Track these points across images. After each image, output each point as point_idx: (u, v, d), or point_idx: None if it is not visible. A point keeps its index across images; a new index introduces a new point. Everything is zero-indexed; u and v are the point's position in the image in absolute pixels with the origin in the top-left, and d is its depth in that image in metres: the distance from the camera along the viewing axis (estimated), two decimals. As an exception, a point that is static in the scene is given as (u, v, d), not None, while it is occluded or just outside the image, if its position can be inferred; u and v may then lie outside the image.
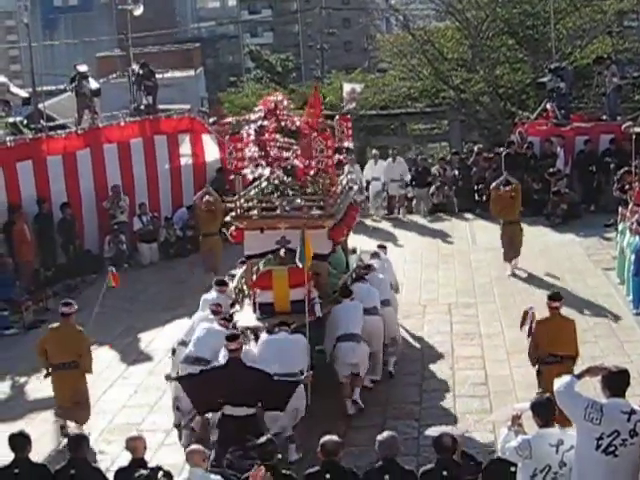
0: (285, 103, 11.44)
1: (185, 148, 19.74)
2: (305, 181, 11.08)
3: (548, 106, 20.56)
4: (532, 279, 14.97)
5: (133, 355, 12.99)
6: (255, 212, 11.08)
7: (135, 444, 7.69)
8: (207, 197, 16.09)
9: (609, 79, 20.30)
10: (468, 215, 19.87)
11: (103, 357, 12.88)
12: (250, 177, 11.28)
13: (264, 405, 8.65)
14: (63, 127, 19.27)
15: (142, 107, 20.07)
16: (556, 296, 9.88)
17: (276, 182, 11.19)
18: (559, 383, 6.47)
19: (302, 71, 61.04)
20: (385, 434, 7.26)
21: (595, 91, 23.63)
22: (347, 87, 14.53)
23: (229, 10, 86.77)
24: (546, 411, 6.61)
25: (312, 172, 10.91)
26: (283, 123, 11.15)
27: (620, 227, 14.84)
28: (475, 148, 21.94)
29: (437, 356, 12.01)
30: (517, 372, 11.18)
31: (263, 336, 9.78)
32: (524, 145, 19.99)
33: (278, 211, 10.90)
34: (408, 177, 20.63)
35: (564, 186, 18.85)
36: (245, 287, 11.46)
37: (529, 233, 16.92)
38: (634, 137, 16.59)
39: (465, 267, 16.10)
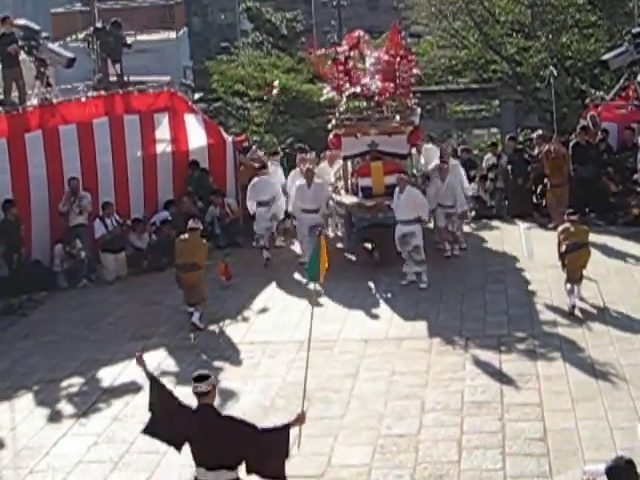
0: (367, 38, 18.81)
1: (163, 132, 19.86)
2: (386, 97, 17.39)
3: None
4: (604, 309, 14.90)
5: (93, 396, 13.01)
6: (350, 121, 17.59)
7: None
8: (258, 152, 21.03)
9: None
10: (524, 222, 19.93)
11: (54, 398, 12.93)
12: (341, 97, 17.77)
13: (251, 466, 8.17)
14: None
15: (110, 79, 20.16)
16: (572, 214, 15.18)
17: (355, 103, 17.49)
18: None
19: (314, 34, 61.18)
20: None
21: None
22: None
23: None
24: (625, 477, 6.59)
25: (391, 91, 17.33)
26: (367, 51, 18.21)
27: None
28: (534, 136, 21.90)
29: (482, 403, 12.01)
30: (584, 425, 11.18)
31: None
32: (597, 133, 19.99)
33: (369, 120, 17.33)
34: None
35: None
36: (342, 178, 18.41)
37: (602, 248, 17.07)
38: None
39: (520, 289, 16.13)
